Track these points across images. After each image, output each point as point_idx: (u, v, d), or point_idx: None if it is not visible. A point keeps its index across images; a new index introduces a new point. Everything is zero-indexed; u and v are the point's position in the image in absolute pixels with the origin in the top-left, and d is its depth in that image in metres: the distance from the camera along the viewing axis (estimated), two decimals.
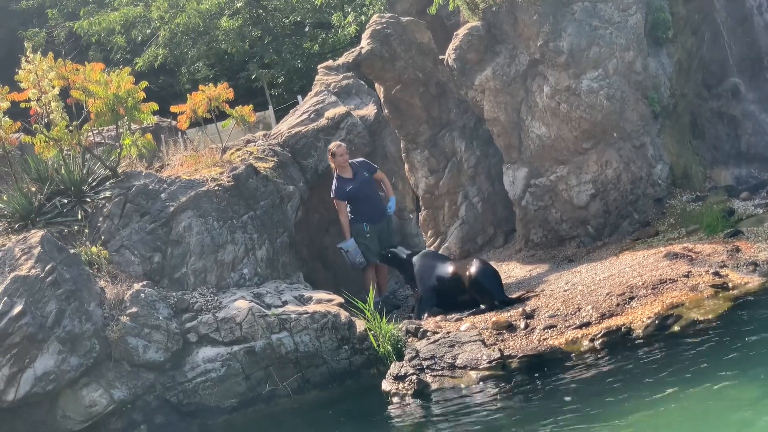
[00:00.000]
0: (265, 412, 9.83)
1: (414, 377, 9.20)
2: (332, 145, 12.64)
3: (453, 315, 10.84)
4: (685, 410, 7.38)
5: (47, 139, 11.39)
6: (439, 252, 13.80)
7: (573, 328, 9.50)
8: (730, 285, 9.69)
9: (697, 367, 8.09)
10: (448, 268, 11.52)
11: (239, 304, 10.30)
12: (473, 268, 11.12)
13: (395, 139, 14.76)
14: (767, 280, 9.78)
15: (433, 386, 9.10)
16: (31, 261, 9.68)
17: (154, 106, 11.99)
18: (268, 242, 11.67)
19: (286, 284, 11.34)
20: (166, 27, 25.40)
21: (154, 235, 11.01)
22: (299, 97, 21.44)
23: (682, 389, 7.70)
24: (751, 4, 14.49)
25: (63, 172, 11.51)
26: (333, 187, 12.55)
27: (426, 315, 11.14)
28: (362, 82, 15.40)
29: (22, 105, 11.68)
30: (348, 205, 12.44)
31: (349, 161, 12.57)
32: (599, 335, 9.20)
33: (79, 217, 11.08)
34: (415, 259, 11.99)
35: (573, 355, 9.11)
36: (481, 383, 8.91)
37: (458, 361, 9.27)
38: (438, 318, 10.92)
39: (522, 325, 9.87)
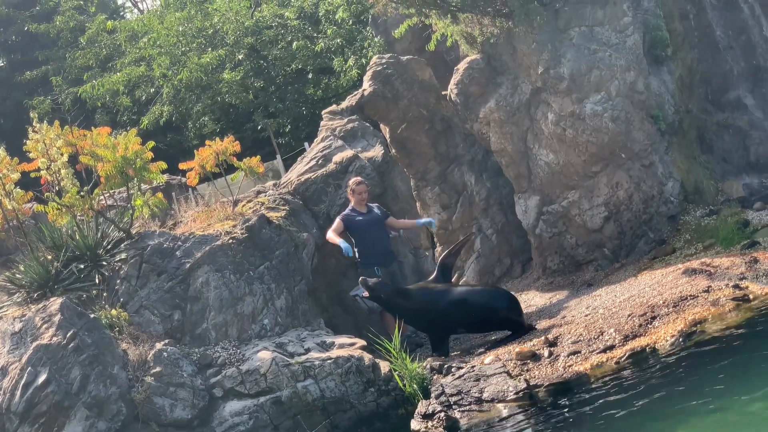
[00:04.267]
0: None
1: (442, 414, 9.16)
2: (352, 181, 12.71)
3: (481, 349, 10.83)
4: (716, 428, 7.33)
5: (60, 207, 11.49)
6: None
7: (597, 353, 9.45)
8: (751, 296, 9.64)
9: (725, 383, 8.04)
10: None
11: (262, 355, 10.31)
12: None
13: (405, 178, 14.79)
14: None
15: (462, 422, 9.04)
16: (53, 329, 9.73)
17: (163, 165, 12.09)
18: (286, 291, 11.69)
19: (307, 331, 11.34)
20: (169, 84, 25.61)
21: (172, 293, 11.05)
22: (306, 144, 21.54)
23: (712, 407, 7.65)
24: (747, 15, 14.50)
25: (77, 237, 11.59)
26: (342, 212, 12.60)
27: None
28: (367, 124, 15.48)
29: (33, 175, 11.82)
30: (357, 247, 12.34)
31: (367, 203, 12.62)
32: (624, 357, 9.15)
33: (97, 281, 11.15)
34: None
35: (599, 379, 9.03)
36: (509, 415, 8.86)
37: (485, 395, 9.22)
38: (460, 352, 10.91)
39: (546, 353, 9.83)
